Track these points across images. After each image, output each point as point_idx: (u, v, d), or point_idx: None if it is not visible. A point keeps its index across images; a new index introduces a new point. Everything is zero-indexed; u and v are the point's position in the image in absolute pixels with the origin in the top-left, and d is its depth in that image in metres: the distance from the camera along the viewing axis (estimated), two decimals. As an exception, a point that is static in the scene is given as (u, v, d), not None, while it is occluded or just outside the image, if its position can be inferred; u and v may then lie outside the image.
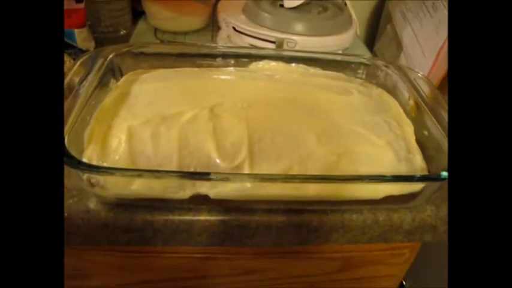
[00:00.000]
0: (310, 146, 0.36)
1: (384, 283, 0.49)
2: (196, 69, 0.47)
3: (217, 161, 0.35)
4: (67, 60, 0.52)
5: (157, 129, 0.37)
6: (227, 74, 0.47)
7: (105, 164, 0.34)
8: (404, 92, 0.47)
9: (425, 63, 0.55)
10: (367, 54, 0.63)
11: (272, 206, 0.36)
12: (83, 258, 0.43)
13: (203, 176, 0.32)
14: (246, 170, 0.34)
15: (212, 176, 0.31)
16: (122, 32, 0.62)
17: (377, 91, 0.48)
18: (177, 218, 0.35)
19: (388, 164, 0.37)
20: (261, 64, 0.49)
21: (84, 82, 0.40)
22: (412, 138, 0.41)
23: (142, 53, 0.48)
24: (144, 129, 0.37)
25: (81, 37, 0.55)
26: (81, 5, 0.53)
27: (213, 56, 0.49)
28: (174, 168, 0.34)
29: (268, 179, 0.32)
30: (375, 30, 0.80)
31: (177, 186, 0.33)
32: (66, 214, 0.35)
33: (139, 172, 0.32)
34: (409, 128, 0.42)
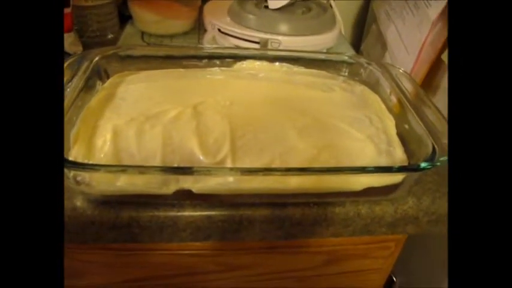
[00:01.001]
0: (292, 141, 0.37)
1: (371, 276, 0.50)
2: (182, 70, 0.48)
3: (200, 157, 0.35)
4: (55, 64, 0.53)
5: (142, 127, 0.38)
6: (212, 74, 0.48)
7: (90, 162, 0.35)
8: (386, 88, 0.48)
9: (409, 60, 0.56)
10: (351, 53, 0.64)
11: (255, 200, 0.37)
12: (73, 257, 0.43)
13: (186, 170, 0.33)
14: (229, 165, 0.35)
15: (195, 170, 0.32)
16: (109, 36, 0.63)
17: (359, 88, 0.49)
18: (162, 214, 0.36)
19: (369, 157, 0.38)
20: (245, 64, 0.50)
21: (70, 84, 0.40)
22: (393, 132, 0.42)
23: (128, 56, 0.49)
24: (128, 127, 0.38)
25: (68, 41, 0.55)
26: (68, 10, 0.54)
27: (198, 58, 0.50)
28: (157, 164, 0.35)
29: (250, 172, 0.33)
30: (361, 31, 0.81)
31: (160, 181, 0.34)
32: (52, 212, 0.35)
33: (123, 168, 0.33)
34: (390, 122, 0.43)
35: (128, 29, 0.64)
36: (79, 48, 0.57)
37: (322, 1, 0.65)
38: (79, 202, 0.36)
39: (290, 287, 0.49)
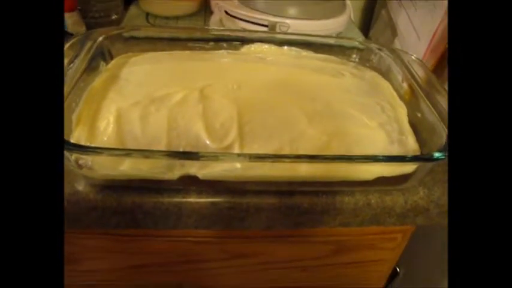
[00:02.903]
0: (301, 127, 0.36)
1: (377, 267, 0.49)
2: (187, 52, 0.47)
3: (207, 141, 0.34)
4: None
5: (147, 110, 0.36)
6: (218, 57, 0.46)
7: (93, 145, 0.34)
8: (398, 75, 0.46)
9: (420, 46, 0.55)
10: (360, 38, 0.62)
11: (263, 187, 0.36)
12: (73, 242, 0.42)
13: (192, 155, 0.32)
14: (236, 151, 0.34)
15: (201, 156, 0.31)
16: (113, 17, 0.61)
17: (370, 74, 0.47)
18: (166, 200, 0.35)
19: (380, 146, 0.37)
20: (253, 47, 0.48)
21: (72, 65, 0.39)
22: (405, 120, 0.40)
23: (133, 37, 0.47)
24: (133, 110, 0.37)
25: (71, 21, 0.54)
26: (71, -12, 0.52)
27: (205, 40, 0.49)
28: (162, 148, 0.34)
29: (258, 158, 0.31)
30: (370, 16, 0.79)
31: (165, 166, 0.33)
32: (53, 196, 0.34)
33: (127, 151, 0.31)
34: (402, 110, 0.42)
35: (132, 10, 0.62)
36: (82, 29, 0.56)
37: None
38: (81, 186, 0.35)
39: (294, 276, 0.48)
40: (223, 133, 0.35)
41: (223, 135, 0.35)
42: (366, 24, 0.81)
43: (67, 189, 0.34)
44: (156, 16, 0.61)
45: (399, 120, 0.40)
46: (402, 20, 0.61)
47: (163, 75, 0.42)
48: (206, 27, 0.55)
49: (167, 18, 0.61)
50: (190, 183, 0.34)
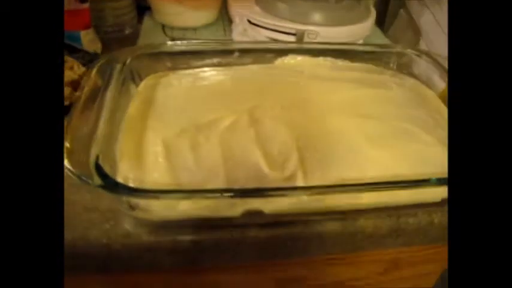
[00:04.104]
0: (363, 150, 0.34)
1: (425, 280, 0.48)
2: (220, 68, 0.44)
3: (267, 171, 0.32)
4: (75, 65, 0.48)
5: (196, 139, 0.34)
6: (256, 73, 0.43)
7: (145, 185, 0.31)
8: (439, 82, 0.45)
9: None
10: (385, 41, 0.60)
11: (325, 216, 0.34)
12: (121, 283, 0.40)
13: (258, 193, 0.29)
14: (300, 180, 0.32)
15: (269, 193, 0.29)
16: (127, 32, 0.58)
17: (410, 82, 0.46)
18: (226, 235, 0.33)
19: (441, 163, 0.35)
20: (287, 59, 0.46)
21: (107, 92, 0.36)
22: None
23: (160, 53, 0.44)
24: (180, 140, 0.34)
25: (87, 39, 0.51)
26: (86, 5, 0.49)
27: (233, 52, 0.46)
28: (221, 182, 0.31)
29: (331, 189, 0.29)
30: (383, 15, 0.77)
31: (228, 203, 0.30)
32: (104, 240, 0.32)
33: (187, 194, 0.29)
34: (454, 121, 0.40)
35: (147, 22, 0.59)
36: (98, 46, 0.53)
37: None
38: (131, 227, 0.32)
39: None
40: (282, 160, 0.33)
41: (283, 163, 0.33)
42: (380, 24, 0.79)
43: (118, 231, 0.32)
44: (172, 28, 0.58)
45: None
46: (426, 19, 0.59)
47: (203, 97, 0.39)
48: (235, 40, 0.52)
49: (184, 29, 0.58)
50: (252, 217, 0.32)
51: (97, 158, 0.29)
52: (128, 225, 0.32)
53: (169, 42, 0.47)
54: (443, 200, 0.33)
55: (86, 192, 0.34)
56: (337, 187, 0.29)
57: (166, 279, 0.39)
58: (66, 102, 0.43)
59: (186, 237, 0.32)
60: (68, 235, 0.31)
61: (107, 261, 0.33)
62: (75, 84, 0.45)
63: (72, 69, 0.48)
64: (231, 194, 0.29)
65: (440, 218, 0.36)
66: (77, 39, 0.50)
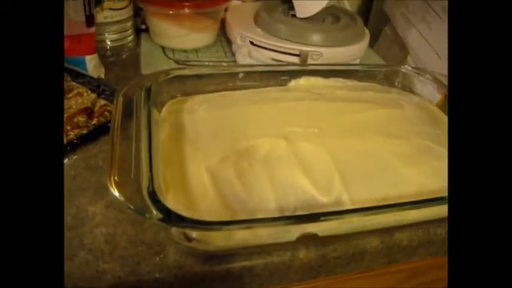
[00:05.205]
0: (398, 170, 0.36)
1: (441, 284, 0.50)
2: (239, 92, 0.45)
3: (316, 196, 0.33)
4: (84, 91, 0.47)
5: (239, 166, 0.35)
6: (277, 96, 0.45)
7: (197, 214, 0.31)
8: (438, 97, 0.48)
9: (441, 65, 0.57)
10: (377, 60, 0.63)
11: (368, 233, 0.35)
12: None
13: (315, 218, 0.30)
14: (347, 200, 0.33)
15: (326, 218, 0.30)
16: (125, 55, 0.57)
17: (416, 99, 0.49)
18: (276, 259, 0.33)
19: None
20: (302, 81, 0.48)
21: (140, 120, 0.36)
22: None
23: (178, 77, 0.44)
24: (224, 168, 0.34)
25: (92, 64, 0.49)
26: (92, 29, 0.48)
27: (251, 74, 0.47)
28: (273, 209, 0.32)
29: (381, 210, 0.31)
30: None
31: (285, 230, 0.31)
32: (157, 275, 0.31)
33: (250, 224, 0.29)
34: (463, 135, 0.43)
35: (145, 44, 0.58)
36: (102, 71, 0.51)
37: (342, 8, 0.64)
38: (182, 258, 0.32)
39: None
40: (327, 183, 0.34)
41: (328, 186, 0.34)
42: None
43: (170, 264, 0.32)
44: (172, 50, 0.58)
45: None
46: (414, 37, 0.64)
47: (232, 122, 0.40)
48: (250, 63, 0.53)
49: (185, 51, 0.58)
50: (307, 240, 0.33)
51: (152, 190, 0.29)
52: (178, 257, 0.32)
53: (188, 67, 0.47)
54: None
55: (128, 225, 0.34)
56: (388, 207, 0.31)
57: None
58: (84, 131, 0.42)
59: (238, 264, 0.32)
60: (119, 271, 0.31)
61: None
62: (89, 112, 0.44)
63: (82, 96, 0.46)
64: (292, 220, 0.30)
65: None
66: (82, 64, 0.49)
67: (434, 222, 0.37)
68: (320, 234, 0.32)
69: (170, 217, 0.27)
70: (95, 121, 0.43)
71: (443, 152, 0.39)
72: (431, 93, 0.50)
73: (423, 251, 0.38)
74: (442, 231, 0.38)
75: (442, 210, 0.35)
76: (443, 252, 0.40)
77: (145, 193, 0.29)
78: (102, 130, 0.42)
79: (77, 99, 0.45)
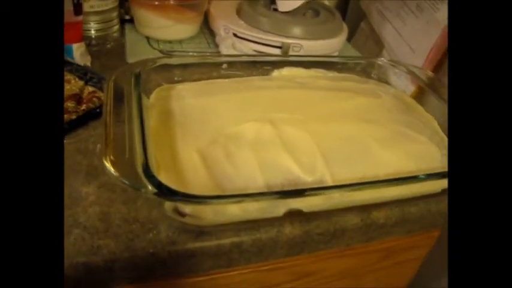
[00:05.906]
0: (375, 151, 0.39)
1: (414, 264, 0.54)
2: (226, 80, 0.47)
3: (301, 175, 0.35)
4: (71, 78, 0.47)
5: (228, 149, 0.36)
6: (261, 84, 0.47)
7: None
8: (411, 88, 0.51)
9: (415, 58, 0.60)
10: (353, 53, 0.66)
11: (348, 211, 0.38)
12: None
13: (301, 193, 0.32)
14: (329, 180, 0.35)
15: (310, 193, 0.32)
16: (110, 44, 0.58)
17: (391, 90, 0.52)
18: (263, 235, 0.35)
19: (437, 159, 0.41)
20: (284, 71, 0.50)
21: (132, 104, 0.37)
22: (440, 132, 0.45)
23: (166, 66, 0.46)
24: (214, 150, 0.36)
25: (79, 52, 0.50)
26: (80, 17, 0.49)
27: (235, 64, 0.49)
28: (261, 187, 0.34)
29: (362, 186, 0.33)
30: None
31: (273, 205, 0.33)
32: (151, 250, 0.33)
33: (240, 198, 0.31)
34: (434, 123, 0.46)
35: (129, 34, 0.59)
36: (88, 59, 0.52)
37: (322, 3, 0.67)
38: (175, 234, 0.34)
39: (347, 283, 0.51)
40: (310, 164, 0.36)
41: (312, 166, 0.36)
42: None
43: (163, 240, 0.33)
44: (157, 40, 0.59)
45: (437, 132, 0.45)
46: (389, 33, 0.67)
47: (221, 108, 0.41)
48: (236, 53, 0.55)
49: (170, 42, 0.59)
50: (291, 216, 0.35)
51: (147, 167, 0.30)
52: (171, 233, 0.34)
53: (176, 57, 0.49)
54: (443, 191, 0.39)
55: (121, 204, 0.35)
56: (366, 184, 0.33)
57: (200, 282, 0.41)
58: (73, 116, 0.42)
59: (228, 240, 0.34)
60: (114, 247, 0.32)
61: (152, 269, 0.34)
62: (77, 98, 0.45)
63: (70, 83, 0.47)
64: (279, 195, 0.32)
65: (436, 206, 0.41)
66: (69, 52, 0.49)
67: (410, 201, 0.40)
68: (305, 210, 0.34)
69: (164, 191, 0.29)
70: (83, 107, 0.44)
71: (417, 136, 0.42)
72: (405, 84, 0.53)
73: (399, 229, 0.41)
74: (416, 210, 0.41)
75: (416, 189, 0.38)
76: (418, 229, 0.43)
77: (140, 170, 0.30)
78: (91, 115, 0.43)
79: (65, 86, 0.46)
